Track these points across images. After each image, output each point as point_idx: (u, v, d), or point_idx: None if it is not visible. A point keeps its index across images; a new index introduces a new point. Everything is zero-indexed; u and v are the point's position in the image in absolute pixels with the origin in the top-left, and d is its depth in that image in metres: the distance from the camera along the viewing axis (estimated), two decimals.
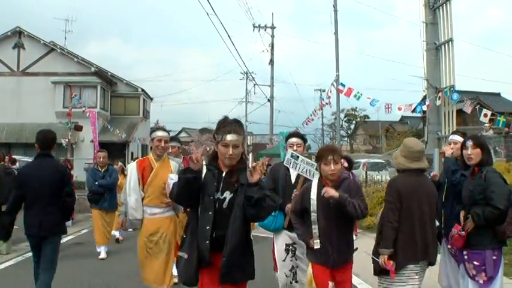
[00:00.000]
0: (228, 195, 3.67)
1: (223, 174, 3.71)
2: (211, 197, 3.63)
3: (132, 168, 5.92)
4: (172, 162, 5.92)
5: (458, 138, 5.41)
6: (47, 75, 29.15)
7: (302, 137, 5.90)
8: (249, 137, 49.46)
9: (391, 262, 4.40)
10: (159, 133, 5.90)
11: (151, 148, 6.03)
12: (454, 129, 10.62)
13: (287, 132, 18.54)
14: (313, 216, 4.41)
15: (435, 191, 4.86)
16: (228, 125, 3.68)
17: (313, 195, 4.45)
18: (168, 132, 6.19)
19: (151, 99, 37.64)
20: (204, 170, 3.76)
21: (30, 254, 9.21)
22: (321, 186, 4.45)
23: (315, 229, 4.40)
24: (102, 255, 9.27)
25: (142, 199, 5.71)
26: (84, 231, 12.91)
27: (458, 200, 4.97)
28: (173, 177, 5.25)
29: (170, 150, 6.77)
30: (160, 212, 5.71)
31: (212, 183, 3.67)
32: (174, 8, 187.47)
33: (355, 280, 6.92)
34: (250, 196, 3.51)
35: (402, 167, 4.66)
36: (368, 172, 19.42)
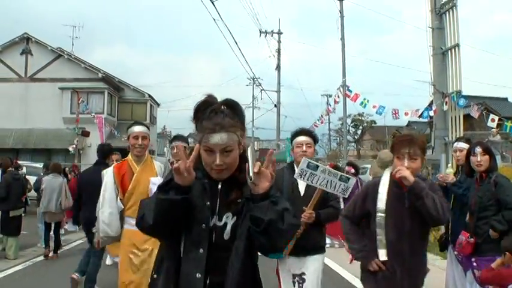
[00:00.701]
0: (229, 219, 2.29)
1: (219, 186, 2.29)
2: (204, 225, 2.24)
3: (108, 175, 4.92)
4: (156, 163, 5.00)
5: (464, 145, 5.39)
6: (55, 81, 29.30)
7: (312, 135, 4.75)
8: (256, 142, 49.45)
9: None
10: (135, 128, 4.93)
11: (129, 147, 5.00)
12: (461, 134, 10.60)
13: None
14: (380, 217, 3.45)
15: None
16: (213, 116, 2.22)
17: (382, 194, 3.50)
18: (147, 127, 5.24)
19: (159, 104, 37.75)
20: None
21: (37, 259, 9.36)
22: (393, 184, 3.50)
23: (381, 235, 3.44)
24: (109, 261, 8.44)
25: (123, 211, 4.83)
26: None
27: (464, 207, 4.98)
28: (156, 182, 4.50)
29: (174, 151, 5.92)
30: None
31: (203, 201, 2.26)
32: (181, 14, 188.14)
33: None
34: (258, 217, 2.13)
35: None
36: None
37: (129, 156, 4.97)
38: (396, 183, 3.47)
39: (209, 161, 2.21)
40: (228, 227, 2.25)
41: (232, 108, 2.26)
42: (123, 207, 4.82)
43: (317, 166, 4.16)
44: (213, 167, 2.20)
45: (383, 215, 3.44)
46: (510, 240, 4.21)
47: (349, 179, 4.27)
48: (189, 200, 2.17)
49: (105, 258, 8.29)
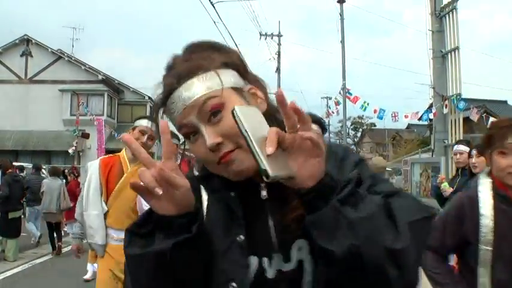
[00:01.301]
0: (305, 253, 1.08)
1: (263, 194, 1.13)
2: (236, 284, 1.06)
3: (92, 169, 4.12)
4: None
5: (463, 148, 5.44)
6: (55, 83, 29.28)
7: (320, 123, 3.59)
8: None
9: None
10: (144, 122, 4.04)
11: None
12: (461, 137, 10.59)
13: None
14: (484, 250, 2.17)
15: None
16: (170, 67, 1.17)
17: (486, 215, 2.19)
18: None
19: None
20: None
21: (37, 261, 9.37)
22: (498, 198, 2.22)
23: (484, 276, 2.18)
24: (88, 275, 7.50)
25: (105, 216, 4.02)
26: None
27: None
28: None
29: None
30: None
31: (230, 236, 1.11)
32: (181, 17, 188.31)
33: None
34: (322, 248, 0.95)
35: None
36: None
37: (123, 153, 4.18)
38: (505, 198, 2.22)
39: (203, 151, 1.10)
40: (308, 269, 1.08)
41: (199, 47, 1.20)
42: (106, 209, 4.01)
43: None
44: (216, 158, 1.07)
45: (489, 248, 2.17)
46: None
47: None
48: (200, 247, 1.04)
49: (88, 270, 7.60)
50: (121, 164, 4.10)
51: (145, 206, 3.02)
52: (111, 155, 4.44)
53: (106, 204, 4.00)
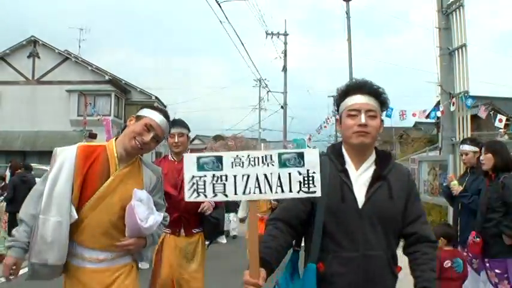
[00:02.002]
0: None
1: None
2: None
3: (64, 157, 2.99)
4: (147, 171, 3.17)
5: (468, 148, 5.43)
6: (62, 84, 29.45)
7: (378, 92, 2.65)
8: (262, 144, 49.40)
9: None
10: (155, 116, 3.23)
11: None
12: (469, 135, 10.54)
13: (301, 139, 18.55)
14: None
15: None
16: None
17: None
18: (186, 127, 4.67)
19: (165, 106, 37.78)
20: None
21: None
22: None
23: None
24: None
25: (73, 228, 2.91)
26: None
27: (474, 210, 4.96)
28: (142, 197, 2.95)
29: (176, 140, 4.56)
30: (110, 257, 2.98)
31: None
32: (187, 17, 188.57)
33: None
34: None
35: None
36: None
37: (111, 144, 3.16)
38: None
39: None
40: None
41: None
42: (76, 218, 2.90)
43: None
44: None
45: None
46: None
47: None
48: None
49: None
50: (107, 160, 3.03)
51: (141, 221, 2.85)
52: (94, 143, 3.42)
53: (77, 212, 2.91)
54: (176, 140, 4.57)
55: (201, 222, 4.66)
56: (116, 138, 3.19)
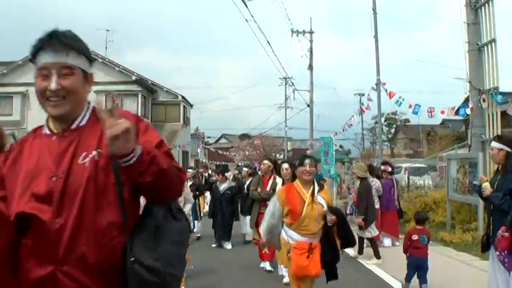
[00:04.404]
0: None
1: None
2: None
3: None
4: None
5: (494, 145, 5.34)
6: None
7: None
8: (288, 142, 49.37)
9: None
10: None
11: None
12: (499, 132, 10.38)
13: (328, 137, 18.48)
14: None
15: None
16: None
17: None
18: None
19: (191, 106, 38.02)
20: None
21: None
22: None
23: None
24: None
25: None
26: None
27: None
28: None
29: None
30: None
31: None
32: (213, 16, 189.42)
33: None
34: None
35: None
36: (410, 177, 19.13)
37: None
38: None
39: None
40: None
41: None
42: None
43: None
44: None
45: None
46: None
47: None
48: None
49: None
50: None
51: None
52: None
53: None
54: None
55: None
56: None
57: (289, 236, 4.88)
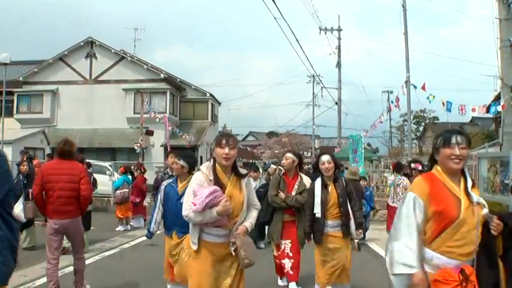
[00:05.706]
0: None
1: None
2: None
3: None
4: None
5: None
6: (118, 83, 30.21)
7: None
8: (316, 140, 49.20)
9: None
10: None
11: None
12: None
13: (356, 135, 18.38)
14: None
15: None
16: None
17: None
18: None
19: (219, 103, 38.18)
20: None
21: (106, 253, 9.64)
22: None
23: None
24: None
25: None
26: None
27: None
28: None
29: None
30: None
31: None
32: (240, 13, 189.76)
33: None
34: None
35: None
36: None
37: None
38: None
39: None
40: None
41: None
42: None
43: None
44: None
45: None
46: None
47: None
48: None
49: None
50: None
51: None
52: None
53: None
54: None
55: None
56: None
57: (424, 260, 3.11)
